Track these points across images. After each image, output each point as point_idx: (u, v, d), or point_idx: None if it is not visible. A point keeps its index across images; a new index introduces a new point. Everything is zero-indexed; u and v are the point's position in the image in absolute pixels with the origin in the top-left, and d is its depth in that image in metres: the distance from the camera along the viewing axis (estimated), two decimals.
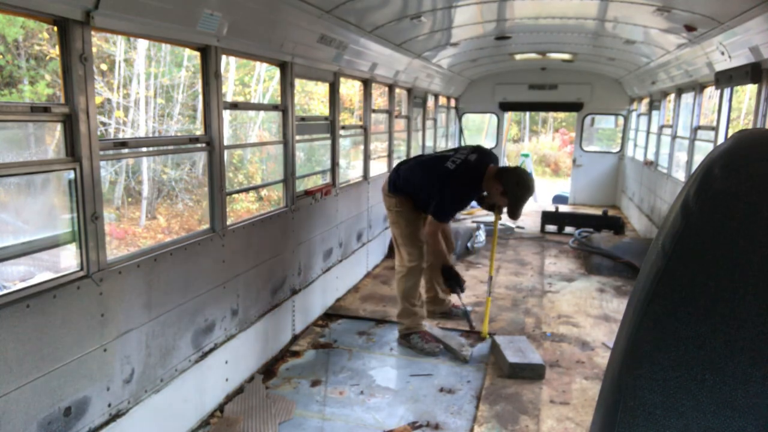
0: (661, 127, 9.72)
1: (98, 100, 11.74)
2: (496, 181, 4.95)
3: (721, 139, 6.52)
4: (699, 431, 0.77)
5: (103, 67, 14.27)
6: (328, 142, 6.37)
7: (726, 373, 0.76)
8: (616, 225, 9.77)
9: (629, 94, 12.66)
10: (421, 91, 10.01)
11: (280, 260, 5.12)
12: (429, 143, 11.34)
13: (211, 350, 4.11)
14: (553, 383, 4.60)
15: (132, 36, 6.19)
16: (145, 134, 14.64)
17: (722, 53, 5.83)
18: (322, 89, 18.22)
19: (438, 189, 5.02)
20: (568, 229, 10.19)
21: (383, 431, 3.97)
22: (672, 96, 9.10)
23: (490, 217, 11.60)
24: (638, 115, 12.24)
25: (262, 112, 17.47)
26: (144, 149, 4.04)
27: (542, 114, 32.37)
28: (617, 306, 6.51)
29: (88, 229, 2.90)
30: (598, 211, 10.77)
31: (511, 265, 8.22)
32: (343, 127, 7.21)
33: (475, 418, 4.11)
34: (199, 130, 7.87)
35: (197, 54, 3.95)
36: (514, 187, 4.89)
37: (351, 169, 11.11)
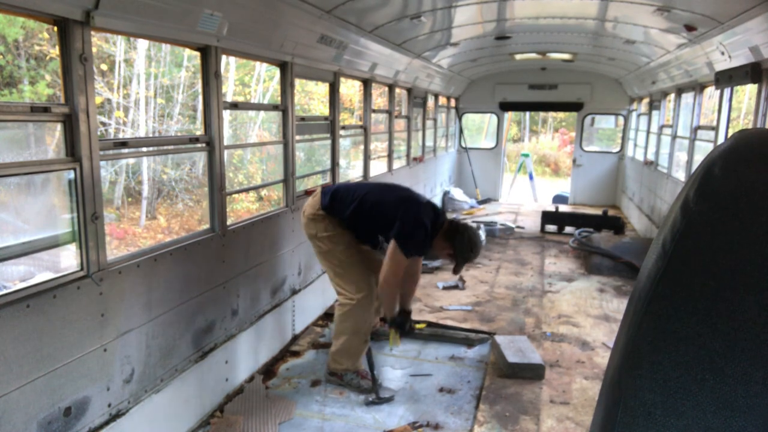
0: (661, 127, 9.72)
1: (98, 100, 11.75)
2: (447, 240, 4.30)
3: (721, 139, 6.52)
4: (699, 431, 0.77)
5: (103, 67, 14.26)
6: (328, 142, 6.37)
7: (726, 373, 0.76)
8: (616, 225, 9.77)
9: (629, 94, 12.66)
10: (421, 91, 10.01)
11: (280, 260, 5.12)
12: (429, 143, 11.34)
13: (211, 350, 4.11)
14: (553, 383, 4.60)
15: (132, 36, 6.20)
16: (145, 134, 14.63)
17: (722, 53, 5.83)
18: (322, 89, 18.22)
19: (411, 213, 4.21)
20: (568, 229, 10.19)
21: (383, 431, 3.97)
22: (672, 96, 9.10)
23: (490, 217, 11.60)
24: (638, 115, 12.24)
25: (262, 112, 17.46)
26: (144, 149, 4.04)
27: (542, 114, 32.37)
28: (617, 306, 6.51)
29: (88, 229, 2.90)
30: (598, 211, 10.77)
31: (511, 265, 8.22)
32: (343, 127, 7.21)
33: (475, 418, 4.11)
34: (199, 130, 7.86)
35: (197, 54, 3.95)
36: (467, 252, 4.30)
37: (351, 169, 11.12)
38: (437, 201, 12.02)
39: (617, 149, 13.82)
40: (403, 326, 4.60)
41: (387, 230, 4.30)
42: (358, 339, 4.55)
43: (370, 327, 4.66)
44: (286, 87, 5.10)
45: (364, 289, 4.48)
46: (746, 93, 18.84)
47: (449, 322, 5.89)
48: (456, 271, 4.45)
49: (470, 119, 16.04)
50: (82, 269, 2.91)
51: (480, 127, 19.36)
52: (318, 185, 4.86)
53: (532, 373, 4.65)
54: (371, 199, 4.40)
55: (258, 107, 19.32)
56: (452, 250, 4.30)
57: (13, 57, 12.73)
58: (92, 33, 2.83)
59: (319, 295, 6.08)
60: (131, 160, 14.42)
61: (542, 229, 10.54)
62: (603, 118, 13.83)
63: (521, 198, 16.62)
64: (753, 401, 0.75)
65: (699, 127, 7.66)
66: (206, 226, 4.19)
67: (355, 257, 4.55)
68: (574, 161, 13.91)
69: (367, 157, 7.48)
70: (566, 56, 10.49)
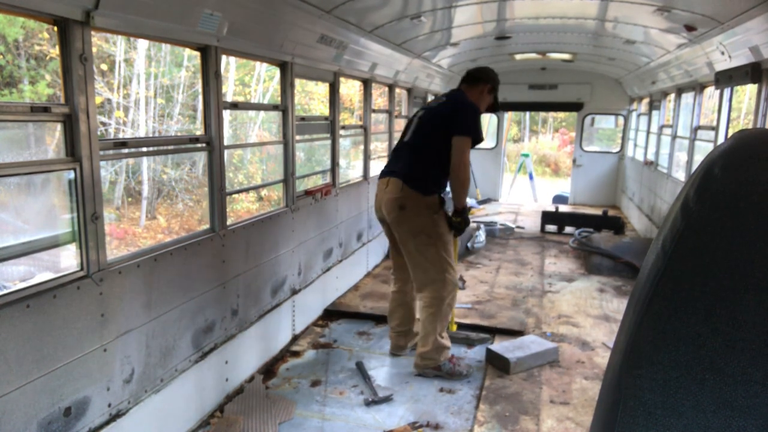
0: (661, 127, 9.72)
1: (98, 100, 11.74)
2: (478, 87, 4.80)
3: (721, 139, 6.52)
4: (699, 431, 0.77)
5: (103, 67, 14.27)
6: (328, 142, 6.37)
7: (726, 373, 0.76)
8: (616, 225, 9.77)
9: (629, 94, 12.66)
10: (421, 91, 10.01)
11: (280, 260, 5.12)
12: None
13: (211, 350, 4.11)
14: (553, 383, 4.60)
15: (132, 36, 6.19)
16: (145, 134, 14.64)
17: (722, 53, 5.83)
18: (322, 89, 18.22)
19: (464, 112, 4.54)
20: (568, 229, 10.19)
21: (383, 431, 3.97)
22: (672, 96, 9.10)
23: (490, 217, 11.60)
24: (638, 115, 12.24)
25: (262, 112, 17.47)
26: (144, 149, 4.04)
27: (542, 114, 32.37)
28: (617, 306, 6.51)
29: (88, 229, 2.90)
30: (598, 211, 10.76)
31: (511, 265, 8.22)
32: (343, 127, 7.20)
33: (475, 418, 4.12)
34: (199, 130, 7.86)
35: (197, 54, 3.95)
36: (494, 75, 4.90)
37: (351, 169, 11.11)
38: None
39: (617, 149, 13.82)
40: (467, 221, 4.77)
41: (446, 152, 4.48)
42: (444, 336, 4.77)
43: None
44: (286, 87, 5.10)
45: (454, 287, 4.70)
46: (746, 93, 18.84)
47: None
48: (496, 107, 5.01)
49: None
50: (82, 269, 2.91)
51: None
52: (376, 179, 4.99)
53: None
54: (433, 151, 4.57)
55: (258, 107, 19.32)
56: (486, 87, 4.83)
57: (13, 57, 12.73)
58: (92, 33, 2.83)
59: (319, 295, 6.08)
60: (131, 160, 14.43)
61: (542, 229, 10.54)
62: (603, 118, 13.83)
63: (521, 198, 16.62)
64: (753, 401, 0.75)
65: (699, 127, 7.66)
66: (206, 226, 4.19)
67: (451, 252, 4.72)
68: (574, 161, 13.91)
69: (367, 157, 7.48)
70: (566, 56, 10.49)
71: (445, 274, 4.62)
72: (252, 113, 17.49)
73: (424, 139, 4.65)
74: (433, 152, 4.56)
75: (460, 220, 4.67)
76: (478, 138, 4.55)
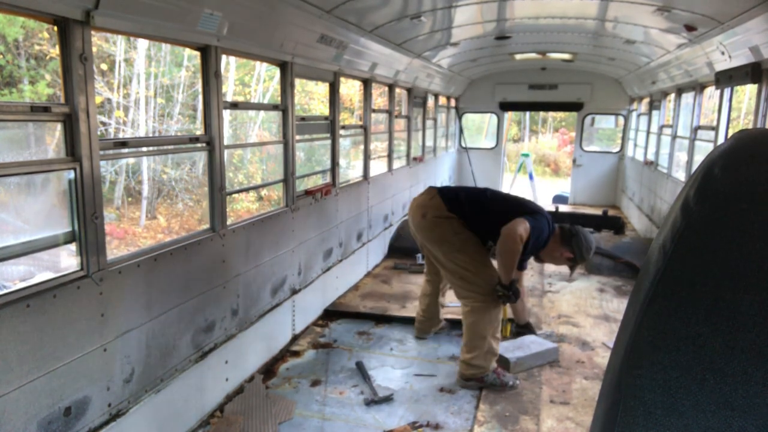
0: (661, 127, 9.71)
1: (98, 100, 11.73)
2: (564, 245, 4.61)
3: (721, 139, 6.52)
4: (699, 431, 0.77)
5: (103, 67, 14.27)
6: (328, 142, 6.37)
7: (726, 374, 0.76)
8: (616, 225, 9.77)
9: (629, 94, 12.66)
10: (421, 91, 10.01)
11: (280, 260, 5.12)
12: (429, 143, 11.34)
13: (211, 350, 4.11)
14: (553, 383, 4.60)
15: (132, 36, 6.19)
16: (145, 134, 14.64)
17: (722, 53, 5.83)
18: (322, 89, 18.22)
19: (536, 214, 4.57)
20: None
21: (383, 431, 3.97)
22: (672, 96, 9.10)
23: None
24: (638, 115, 12.24)
25: (262, 112, 17.47)
26: (144, 149, 4.04)
27: (542, 114, 32.36)
28: (617, 306, 6.51)
29: (88, 228, 2.90)
30: (598, 211, 10.76)
31: None
32: (343, 127, 7.20)
33: (475, 418, 4.11)
34: (199, 130, 7.86)
35: (197, 54, 3.95)
36: (586, 252, 4.61)
37: (351, 169, 11.11)
38: None
39: (617, 149, 13.82)
40: (517, 293, 4.59)
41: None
42: (496, 339, 4.57)
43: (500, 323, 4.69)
44: (286, 87, 5.10)
45: (493, 284, 4.51)
46: (746, 93, 18.84)
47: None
48: (572, 272, 4.84)
49: (470, 119, 16.03)
50: (82, 269, 2.91)
51: (480, 127, 19.35)
52: (427, 187, 4.99)
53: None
54: (496, 209, 4.60)
55: (258, 107, 19.32)
56: (571, 253, 4.58)
57: (13, 57, 12.73)
58: (92, 33, 2.83)
59: (319, 295, 6.08)
60: (131, 160, 14.43)
61: None
62: (603, 118, 13.82)
63: None
64: (753, 401, 0.74)
65: (699, 127, 7.65)
66: (206, 226, 4.19)
67: (484, 253, 4.63)
68: (574, 161, 13.91)
69: (367, 157, 7.48)
70: (566, 56, 10.48)
71: (482, 276, 4.50)
72: (252, 113, 17.49)
73: (485, 204, 4.70)
74: (484, 213, 4.61)
75: (502, 294, 4.47)
76: (530, 245, 4.44)
